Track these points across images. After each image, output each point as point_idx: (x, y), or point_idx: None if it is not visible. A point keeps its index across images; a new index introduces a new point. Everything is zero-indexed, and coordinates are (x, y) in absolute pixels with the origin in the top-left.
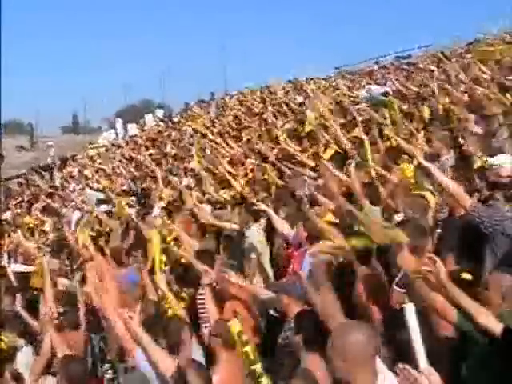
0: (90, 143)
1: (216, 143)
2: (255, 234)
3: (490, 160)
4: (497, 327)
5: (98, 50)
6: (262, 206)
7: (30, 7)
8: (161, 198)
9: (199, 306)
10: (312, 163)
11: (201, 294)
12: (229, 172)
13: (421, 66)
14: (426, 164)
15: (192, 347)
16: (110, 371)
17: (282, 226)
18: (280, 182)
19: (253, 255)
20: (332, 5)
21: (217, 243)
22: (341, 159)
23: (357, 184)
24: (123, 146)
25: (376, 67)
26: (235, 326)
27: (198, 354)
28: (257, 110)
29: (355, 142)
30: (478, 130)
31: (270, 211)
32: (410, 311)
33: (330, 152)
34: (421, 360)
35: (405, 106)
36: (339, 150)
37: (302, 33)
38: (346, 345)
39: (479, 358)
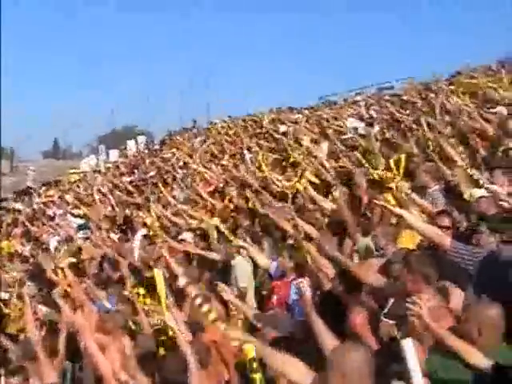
0: (71, 168)
1: (199, 172)
2: (243, 264)
3: (477, 191)
4: (487, 364)
5: (82, 74)
6: (240, 242)
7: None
8: (144, 225)
9: None
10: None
11: None
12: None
13: (405, 97)
14: (397, 211)
15: None
16: None
17: (262, 258)
18: (262, 211)
19: (243, 283)
20: (312, 34)
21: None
22: (323, 188)
23: (346, 212)
24: (105, 172)
25: (359, 98)
26: (251, 351)
27: None
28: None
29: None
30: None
31: (248, 246)
32: (408, 346)
33: (304, 182)
34: None
35: (388, 135)
36: (313, 180)
37: (285, 63)
38: (346, 361)
39: None
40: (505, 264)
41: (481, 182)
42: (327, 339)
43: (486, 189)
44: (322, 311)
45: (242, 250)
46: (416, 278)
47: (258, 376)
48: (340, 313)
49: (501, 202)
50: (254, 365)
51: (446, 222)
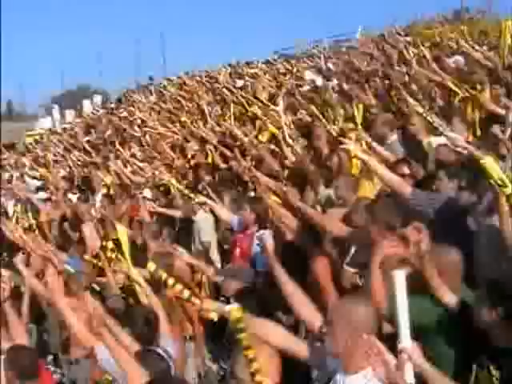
0: (27, 130)
1: (156, 129)
2: (206, 219)
3: (434, 139)
4: (453, 299)
5: (32, 35)
6: (202, 199)
7: None
8: (104, 185)
9: None
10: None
11: None
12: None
13: (361, 49)
14: (362, 157)
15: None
16: (51, 364)
17: (224, 213)
18: (223, 166)
19: (206, 238)
20: None
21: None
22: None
23: (306, 163)
24: (61, 132)
25: (315, 51)
26: (235, 312)
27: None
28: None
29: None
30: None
31: (210, 201)
32: (400, 278)
33: (266, 134)
34: (403, 336)
35: (346, 87)
36: (275, 132)
37: (240, 17)
38: (352, 311)
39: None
40: (462, 211)
41: (441, 129)
42: (290, 289)
43: (446, 136)
44: (283, 262)
45: (204, 206)
46: (380, 226)
47: (244, 335)
48: (302, 263)
49: (459, 149)
50: (240, 325)
51: (405, 170)
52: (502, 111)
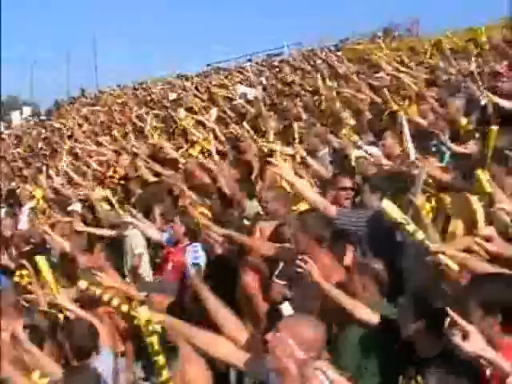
0: None
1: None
2: (137, 232)
3: (357, 152)
4: (374, 318)
5: None
6: (128, 219)
7: None
8: (33, 197)
9: None
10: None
11: None
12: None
13: (293, 63)
14: (289, 179)
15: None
16: None
17: (152, 233)
18: (153, 179)
19: (138, 250)
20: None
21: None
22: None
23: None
24: None
25: (248, 64)
26: (145, 313)
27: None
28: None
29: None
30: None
31: (137, 222)
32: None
33: (197, 148)
34: None
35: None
36: (206, 147)
37: (173, 29)
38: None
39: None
40: (387, 223)
41: (359, 143)
42: (213, 305)
43: (365, 151)
44: (212, 275)
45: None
46: (309, 239)
47: (154, 339)
48: (231, 276)
49: (378, 165)
50: (150, 327)
51: (347, 182)
52: (426, 124)
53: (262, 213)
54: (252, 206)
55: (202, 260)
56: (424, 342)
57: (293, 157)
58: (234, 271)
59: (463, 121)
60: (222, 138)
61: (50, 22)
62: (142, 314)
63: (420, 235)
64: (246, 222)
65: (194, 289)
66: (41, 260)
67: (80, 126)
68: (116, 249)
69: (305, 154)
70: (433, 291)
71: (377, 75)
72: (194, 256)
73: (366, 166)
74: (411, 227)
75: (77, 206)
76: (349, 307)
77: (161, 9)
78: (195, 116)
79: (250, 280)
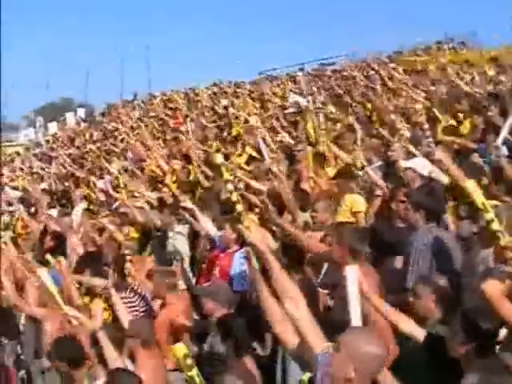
0: (8, 141)
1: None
2: (179, 237)
3: (403, 163)
4: (419, 333)
5: (16, 45)
6: (189, 204)
7: None
8: (85, 198)
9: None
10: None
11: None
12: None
13: (345, 73)
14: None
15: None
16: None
17: (208, 226)
18: (206, 184)
19: (183, 250)
20: (253, 9)
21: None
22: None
23: (284, 187)
24: (43, 144)
25: (300, 73)
26: (181, 349)
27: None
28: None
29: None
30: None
31: (196, 210)
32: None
33: (245, 157)
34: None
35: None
36: (254, 155)
37: (227, 36)
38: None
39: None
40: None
41: (416, 153)
42: (269, 303)
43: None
44: None
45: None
46: (344, 251)
47: (194, 372)
48: None
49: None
50: (188, 361)
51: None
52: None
53: (310, 223)
54: (303, 217)
55: None
56: (471, 364)
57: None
58: None
59: None
60: (272, 146)
61: (107, 28)
62: (179, 349)
63: (496, 225)
64: None
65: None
66: (42, 274)
67: (133, 128)
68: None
69: (365, 162)
70: (484, 313)
71: (433, 88)
72: (241, 262)
73: (411, 176)
74: (489, 215)
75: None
76: (393, 319)
77: (214, 14)
78: (248, 118)
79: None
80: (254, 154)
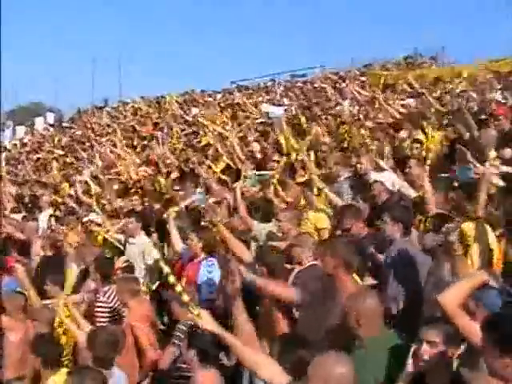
0: None
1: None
2: (147, 242)
3: (372, 175)
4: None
5: None
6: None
7: None
8: (52, 204)
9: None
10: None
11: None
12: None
13: (316, 85)
14: None
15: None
16: None
17: (178, 243)
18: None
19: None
20: (227, 19)
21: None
22: (235, 174)
23: (241, 206)
24: (10, 149)
25: (271, 84)
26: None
27: None
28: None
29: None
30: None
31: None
32: None
33: (221, 165)
34: None
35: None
36: (230, 164)
37: (199, 45)
38: (330, 376)
39: None
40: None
41: (385, 167)
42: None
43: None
44: None
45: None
46: (337, 263)
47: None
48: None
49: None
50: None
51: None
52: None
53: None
54: (260, 227)
55: (217, 275)
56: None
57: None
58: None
59: (492, 153)
60: (242, 157)
61: (77, 33)
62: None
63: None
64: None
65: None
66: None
67: (101, 135)
68: None
69: (323, 185)
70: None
71: (402, 102)
72: (208, 270)
73: (378, 190)
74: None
75: (94, 216)
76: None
77: (186, 23)
78: (217, 128)
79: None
80: (230, 163)
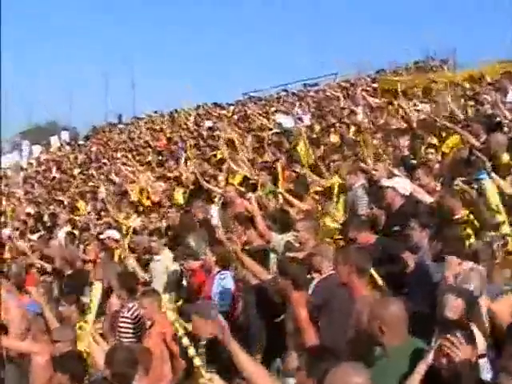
0: None
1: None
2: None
3: (384, 181)
4: None
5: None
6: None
7: None
8: (69, 221)
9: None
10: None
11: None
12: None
13: (328, 93)
14: None
15: None
16: None
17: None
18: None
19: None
20: (237, 30)
21: None
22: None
23: (258, 217)
24: (27, 168)
25: (284, 94)
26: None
27: None
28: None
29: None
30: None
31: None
32: None
33: (238, 178)
34: None
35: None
36: (248, 176)
37: (209, 58)
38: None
39: None
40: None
41: (397, 173)
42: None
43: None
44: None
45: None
46: (350, 270)
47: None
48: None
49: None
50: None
51: None
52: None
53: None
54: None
55: (230, 288)
56: None
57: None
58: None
59: (506, 157)
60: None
61: (89, 49)
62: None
63: (507, 228)
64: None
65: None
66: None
67: (116, 151)
68: None
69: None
70: None
71: (417, 107)
72: (221, 284)
73: (391, 196)
74: (502, 217)
75: (111, 232)
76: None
77: (198, 34)
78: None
79: (304, 314)
80: (248, 175)
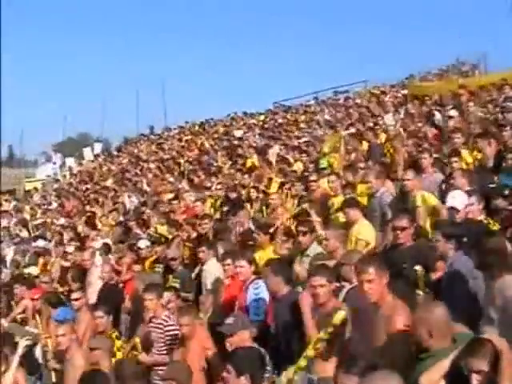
0: (27, 177)
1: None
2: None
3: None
4: None
5: (35, 82)
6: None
7: None
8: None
9: None
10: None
11: None
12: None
13: (358, 101)
14: None
15: None
16: None
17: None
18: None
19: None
20: (270, 39)
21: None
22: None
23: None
24: (61, 180)
25: (313, 102)
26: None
27: None
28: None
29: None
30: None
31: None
32: None
33: (275, 185)
34: None
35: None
36: (284, 181)
37: (240, 68)
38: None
39: None
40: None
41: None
42: None
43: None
44: None
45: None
46: (380, 275)
47: None
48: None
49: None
50: None
51: (404, 222)
52: None
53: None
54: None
55: (264, 297)
56: None
57: None
58: None
59: None
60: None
61: (122, 62)
62: None
63: None
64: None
65: None
66: None
67: (147, 162)
68: None
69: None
70: None
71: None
72: (255, 293)
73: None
74: None
75: (143, 243)
76: None
77: (227, 45)
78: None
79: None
80: (283, 180)
